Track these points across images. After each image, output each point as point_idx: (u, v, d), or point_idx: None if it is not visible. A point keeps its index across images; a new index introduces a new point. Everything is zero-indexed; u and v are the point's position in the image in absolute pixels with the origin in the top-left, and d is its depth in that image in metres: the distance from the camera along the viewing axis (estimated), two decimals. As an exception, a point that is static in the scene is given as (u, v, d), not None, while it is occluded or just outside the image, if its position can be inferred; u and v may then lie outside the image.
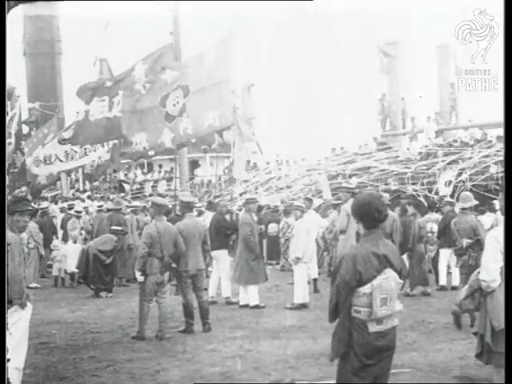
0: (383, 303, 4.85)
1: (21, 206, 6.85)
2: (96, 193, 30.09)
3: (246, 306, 12.39)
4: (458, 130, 27.08)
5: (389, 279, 4.88)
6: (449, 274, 14.24)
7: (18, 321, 6.60)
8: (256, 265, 12.51)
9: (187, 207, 10.78)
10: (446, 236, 13.77)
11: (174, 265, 10.02)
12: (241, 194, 24.50)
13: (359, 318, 4.86)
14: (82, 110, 16.67)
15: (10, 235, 6.57)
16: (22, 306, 6.63)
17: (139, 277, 9.92)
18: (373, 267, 4.86)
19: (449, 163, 22.65)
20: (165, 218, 10.34)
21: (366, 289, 4.83)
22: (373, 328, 4.84)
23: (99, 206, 15.99)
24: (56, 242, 16.79)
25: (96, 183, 31.36)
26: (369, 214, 5.00)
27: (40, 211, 18.04)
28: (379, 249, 4.94)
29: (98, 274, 14.45)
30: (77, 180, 32.01)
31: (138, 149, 15.52)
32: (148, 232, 9.93)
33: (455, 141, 25.45)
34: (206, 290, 11.24)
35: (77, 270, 15.77)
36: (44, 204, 20.63)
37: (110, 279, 14.68)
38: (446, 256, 14.01)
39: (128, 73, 16.22)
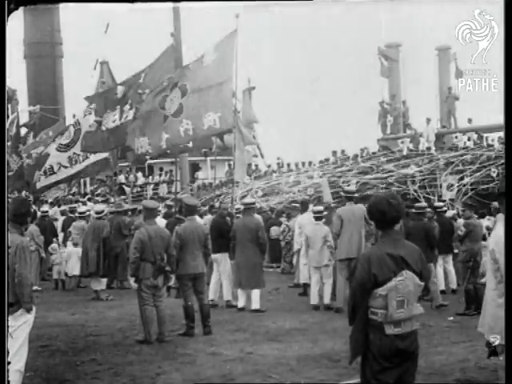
0: (400, 306, 4.78)
1: (25, 207, 6.87)
2: (97, 195, 30.11)
3: (244, 309, 12.41)
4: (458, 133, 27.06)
5: (406, 281, 4.82)
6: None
7: (23, 324, 6.60)
8: (262, 269, 12.69)
9: (189, 210, 10.75)
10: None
11: (167, 268, 9.97)
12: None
13: (376, 319, 4.83)
14: (86, 120, 16.79)
15: (20, 239, 6.58)
16: (29, 310, 6.62)
17: (132, 283, 9.92)
18: (388, 269, 4.82)
19: (449, 166, 22.65)
20: (164, 220, 10.30)
21: (381, 290, 4.79)
22: (390, 330, 4.80)
23: (98, 213, 15.70)
24: (54, 246, 16.76)
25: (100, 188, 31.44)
26: (376, 216, 5.00)
27: (41, 213, 18.04)
28: (396, 250, 4.89)
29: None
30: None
31: (141, 153, 15.53)
32: (138, 237, 9.82)
33: (454, 144, 25.48)
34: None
35: (77, 274, 15.76)
36: (45, 207, 20.61)
37: None
38: (440, 262, 13.98)
39: (135, 81, 16.29)
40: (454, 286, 14.01)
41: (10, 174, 19.64)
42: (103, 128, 16.61)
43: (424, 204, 13.93)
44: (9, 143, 19.95)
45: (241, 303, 12.51)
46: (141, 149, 15.47)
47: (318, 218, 12.85)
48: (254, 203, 13.60)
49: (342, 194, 13.85)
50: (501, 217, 5.69)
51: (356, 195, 13.15)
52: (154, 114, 15.34)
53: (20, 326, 6.56)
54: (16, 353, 6.49)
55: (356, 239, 11.86)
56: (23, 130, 25.14)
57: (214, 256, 12.50)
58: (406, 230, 12.55)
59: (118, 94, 16.48)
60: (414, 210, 12.87)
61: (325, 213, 13.30)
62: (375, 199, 5.12)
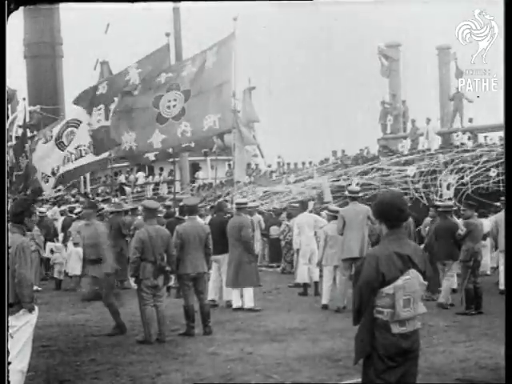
0: (406, 304, 4.79)
1: (21, 207, 6.87)
2: (97, 195, 30.12)
3: (240, 308, 12.39)
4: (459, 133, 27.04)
5: (412, 280, 4.83)
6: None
7: (25, 324, 6.60)
8: (254, 267, 12.58)
9: (190, 210, 10.75)
10: None
11: (167, 268, 9.97)
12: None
13: (382, 319, 4.82)
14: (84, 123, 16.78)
15: (21, 239, 6.59)
16: (31, 310, 6.62)
17: (132, 283, 9.91)
18: (396, 267, 4.82)
19: (449, 165, 22.64)
20: (165, 220, 10.27)
21: (388, 289, 4.79)
22: (396, 329, 4.80)
23: (98, 210, 15.71)
24: (59, 245, 16.78)
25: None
26: (391, 214, 4.95)
27: (38, 214, 18.03)
28: (402, 249, 4.89)
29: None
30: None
31: (125, 148, 15.48)
32: (139, 237, 9.82)
33: (452, 144, 25.47)
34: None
35: (78, 273, 15.74)
36: (44, 207, 20.60)
37: None
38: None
39: (121, 77, 16.24)
40: (454, 285, 13.99)
41: (20, 173, 19.64)
42: (89, 131, 16.57)
43: (450, 203, 13.85)
44: (9, 143, 19.95)
45: (236, 303, 12.50)
46: (126, 143, 15.43)
47: (334, 218, 12.75)
48: (245, 203, 13.55)
49: (346, 193, 13.80)
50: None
51: (360, 195, 13.12)
52: (146, 111, 15.30)
53: (22, 326, 6.55)
54: (18, 353, 6.49)
55: (359, 239, 11.85)
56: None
57: (216, 257, 12.41)
58: (433, 229, 12.61)
59: (99, 91, 16.42)
60: (440, 209, 12.84)
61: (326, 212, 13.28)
62: (390, 196, 5.12)
